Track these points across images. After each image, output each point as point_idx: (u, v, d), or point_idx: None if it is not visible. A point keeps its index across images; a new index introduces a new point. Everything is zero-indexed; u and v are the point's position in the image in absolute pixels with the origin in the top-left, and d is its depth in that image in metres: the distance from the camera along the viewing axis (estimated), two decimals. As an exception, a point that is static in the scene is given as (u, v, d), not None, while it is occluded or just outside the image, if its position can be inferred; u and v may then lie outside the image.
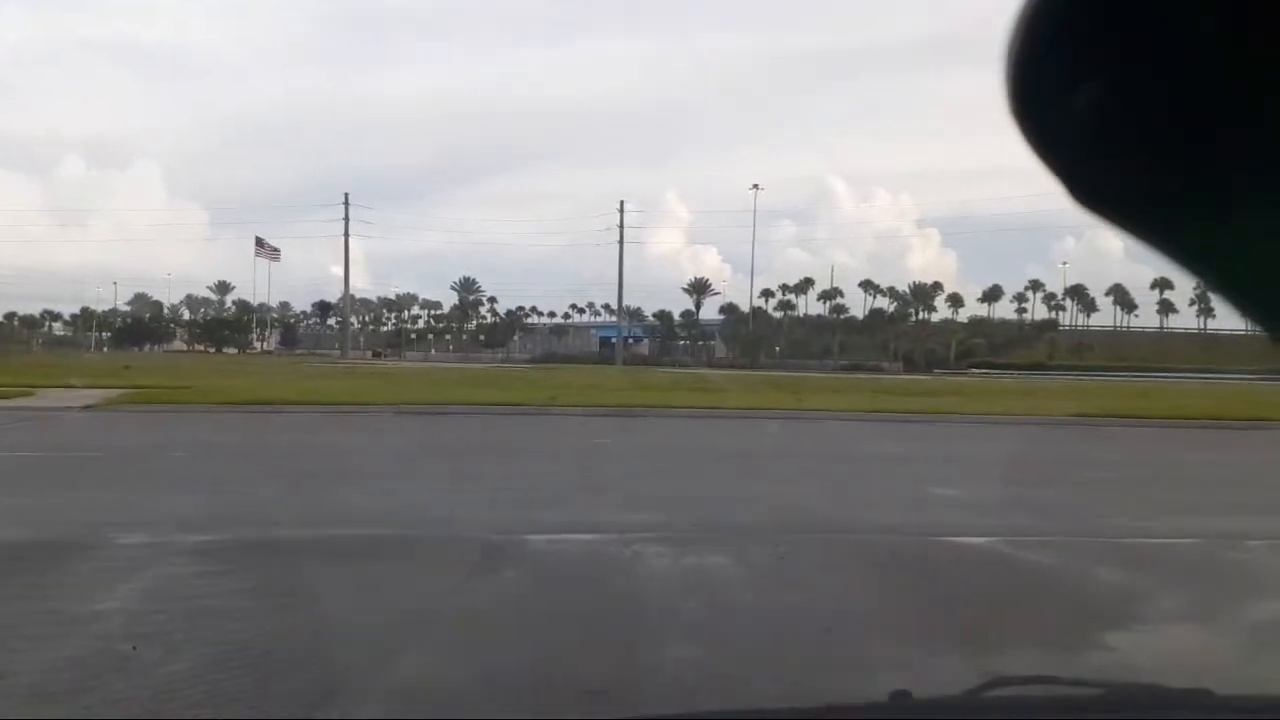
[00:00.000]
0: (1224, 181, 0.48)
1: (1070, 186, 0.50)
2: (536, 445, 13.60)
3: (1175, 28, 0.44)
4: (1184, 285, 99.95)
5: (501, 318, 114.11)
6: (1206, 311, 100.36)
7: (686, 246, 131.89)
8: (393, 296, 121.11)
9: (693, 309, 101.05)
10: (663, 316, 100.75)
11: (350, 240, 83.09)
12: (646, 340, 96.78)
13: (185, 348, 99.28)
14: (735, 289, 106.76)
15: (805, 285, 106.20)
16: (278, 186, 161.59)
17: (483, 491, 8.86)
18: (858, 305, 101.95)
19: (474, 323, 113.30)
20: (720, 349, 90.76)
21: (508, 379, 30.73)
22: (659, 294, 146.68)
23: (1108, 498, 9.67)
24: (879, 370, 64.53)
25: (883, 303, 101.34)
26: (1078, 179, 0.51)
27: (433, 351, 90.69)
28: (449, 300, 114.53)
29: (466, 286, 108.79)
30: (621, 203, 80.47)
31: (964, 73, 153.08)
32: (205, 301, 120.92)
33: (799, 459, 12.62)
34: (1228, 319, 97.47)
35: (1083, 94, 0.46)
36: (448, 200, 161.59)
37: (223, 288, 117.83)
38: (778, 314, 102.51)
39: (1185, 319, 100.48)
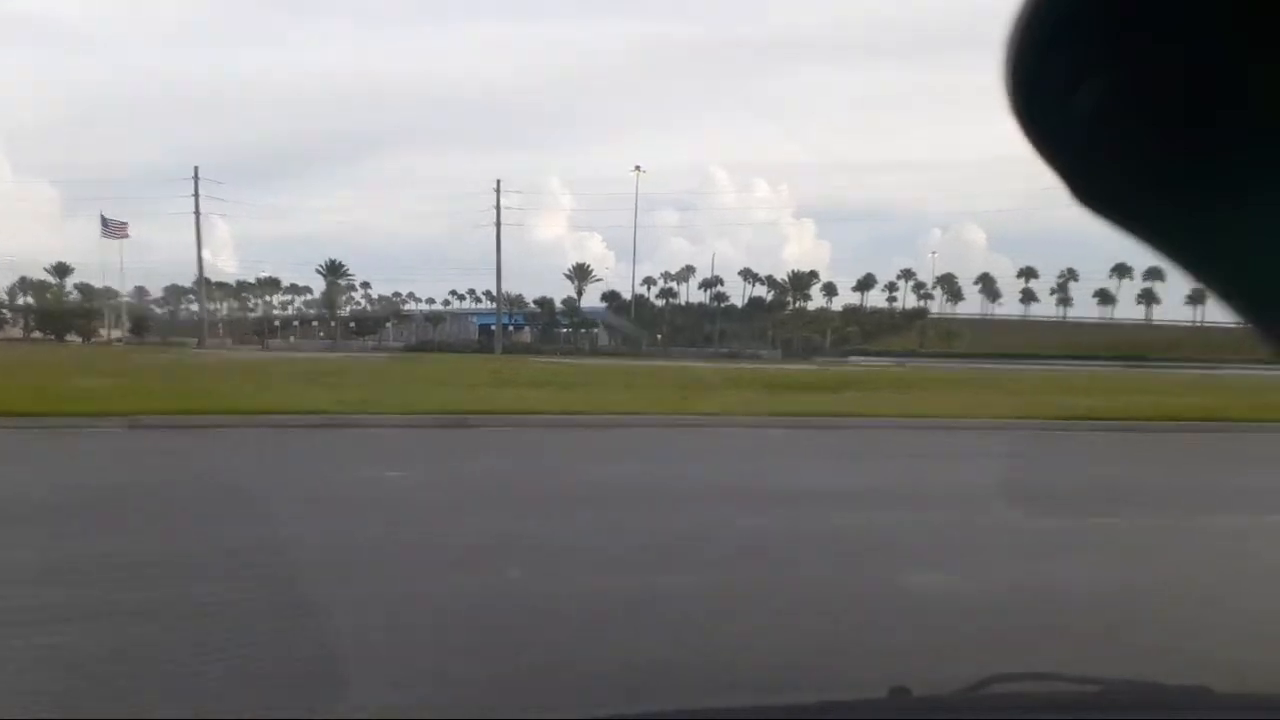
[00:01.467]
0: (1225, 181, 0.48)
1: (1071, 185, 0.50)
2: (293, 481, 9.11)
3: (1177, 26, 0.43)
4: (1047, 275, 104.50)
5: (375, 304, 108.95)
6: (1065, 301, 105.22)
7: (571, 233, 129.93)
8: (253, 281, 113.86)
9: (575, 296, 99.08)
10: (544, 303, 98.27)
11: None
12: (528, 328, 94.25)
13: (22, 336, 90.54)
14: (619, 276, 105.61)
15: (686, 273, 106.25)
16: (143, 166, 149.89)
17: (76, 618, 4.45)
18: (738, 293, 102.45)
19: (347, 309, 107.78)
20: (603, 336, 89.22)
21: (345, 373, 26.37)
22: (543, 281, 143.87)
23: (1227, 579, 5.68)
24: (758, 358, 63.96)
25: (761, 291, 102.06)
26: (1078, 177, 0.50)
27: (292, 339, 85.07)
28: (322, 286, 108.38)
29: (334, 270, 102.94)
30: (498, 182, 77.70)
31: (841, 66, 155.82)
32: (44, 285, 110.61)
33: (695, 511, 7.73)
34: (1085, 308, 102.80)
35: (1084, 92, 0.46)
36: (328, 182, 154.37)
37: (61, 270, 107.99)
38: (659, 301, 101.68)
39: (1046, 308, 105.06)
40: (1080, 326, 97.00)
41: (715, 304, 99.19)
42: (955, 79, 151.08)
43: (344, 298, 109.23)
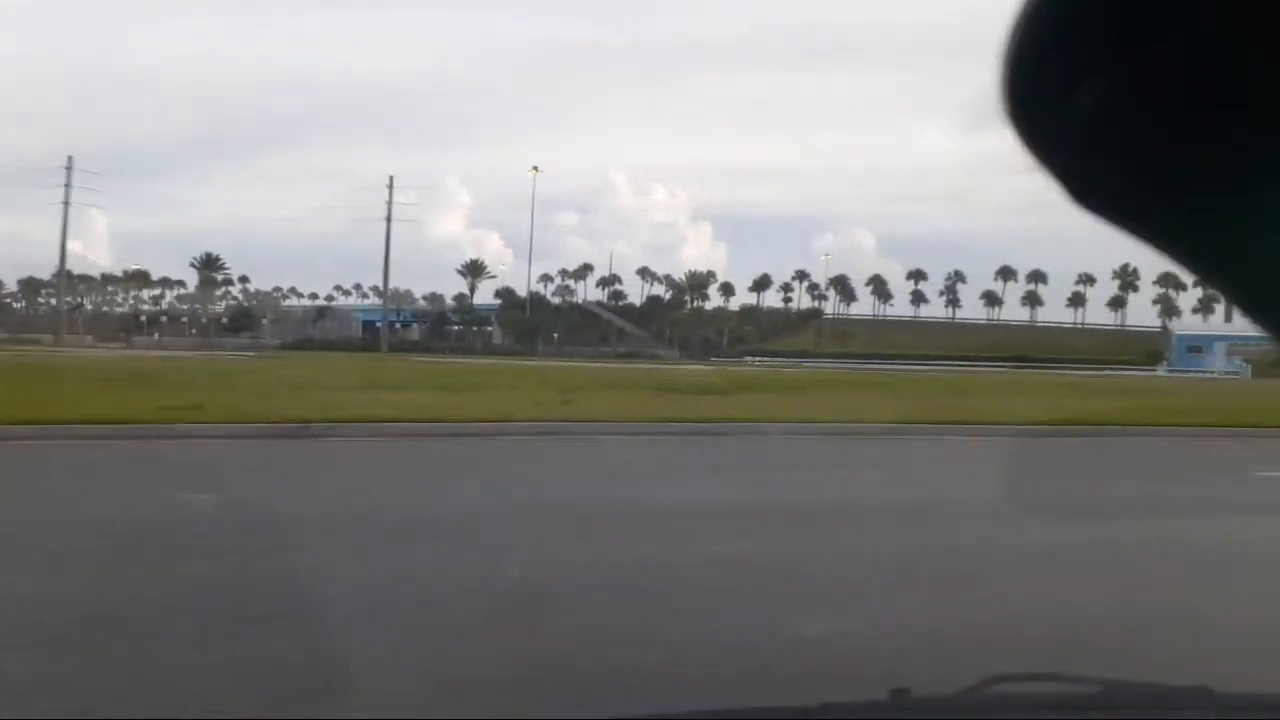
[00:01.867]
0: (1226, 181, 0.48)
1: (1069, 186, 0.50)
2: (65, 519, 6.67)
3: (1178, 25, 0.44)
4: (936, 277, 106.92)
5: (253, 299, 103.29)
6: (954, 303, 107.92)
7: (468, 231, 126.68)
8: (120, 274, 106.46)
9: (467, 292, 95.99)
10: (434, 299, 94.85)
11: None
12: (416, 325, 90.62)
13: None
14: (516, 274, 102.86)
15: (584, 271, 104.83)
16: (17, 157, 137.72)
17: None
18: (636, 292, 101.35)
19: (223, 304, 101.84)
20: (497, 335, 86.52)
21: (195, 373, 23.53)
22: (438, 278, 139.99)
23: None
24: (657, 357, 62.70)
25: (659, 290, 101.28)
26: (1076, 179, 0.50)
27: (157, 336, 79.20)
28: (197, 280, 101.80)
29: (209, 264, 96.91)
30: (390, 178, 75.20)
31: (735, 71, 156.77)
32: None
33: (554, 549, 6.07)
34: (973, 309, 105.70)
35: (1083, 93, 0.46)
36: (217, 176, 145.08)
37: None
38: (556, 299, 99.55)
39: (935, 309, 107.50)
40: (967, 327, 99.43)
41: (614, 302, 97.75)
42: (852, 85, 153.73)
43: (219, 292, 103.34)
